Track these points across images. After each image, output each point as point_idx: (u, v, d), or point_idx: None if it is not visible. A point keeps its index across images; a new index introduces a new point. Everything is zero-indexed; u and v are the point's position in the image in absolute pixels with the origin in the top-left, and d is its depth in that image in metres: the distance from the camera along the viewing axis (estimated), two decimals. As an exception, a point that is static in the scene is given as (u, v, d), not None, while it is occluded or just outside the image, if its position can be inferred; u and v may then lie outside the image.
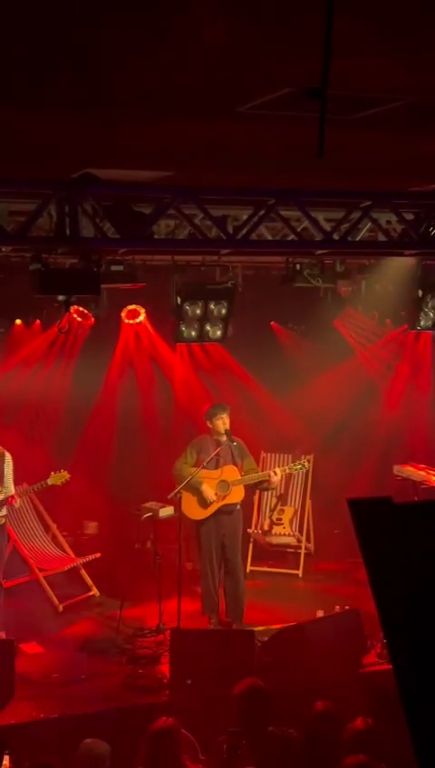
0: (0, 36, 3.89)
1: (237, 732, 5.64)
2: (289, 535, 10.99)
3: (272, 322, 11.58)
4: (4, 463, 8.80)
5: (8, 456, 8.83)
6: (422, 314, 9.40)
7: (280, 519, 11.01)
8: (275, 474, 9.06)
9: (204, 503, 8.81)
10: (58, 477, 8.89)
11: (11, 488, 8.75)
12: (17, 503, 8.86)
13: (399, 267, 9.40)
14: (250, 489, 9.40)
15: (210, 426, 8.91)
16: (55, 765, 5.37)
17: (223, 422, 8.82)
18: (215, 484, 8.83)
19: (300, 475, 10.85)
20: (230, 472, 8.87)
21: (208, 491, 8.77)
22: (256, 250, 8.73)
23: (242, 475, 8.91)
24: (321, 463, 10.92)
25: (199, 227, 7.43)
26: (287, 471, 9.38)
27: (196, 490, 8.78)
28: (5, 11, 3.57)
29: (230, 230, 7.44)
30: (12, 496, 8.67)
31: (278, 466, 10.54)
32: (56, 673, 7.91)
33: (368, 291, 9.85)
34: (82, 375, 10.77)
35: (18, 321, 9.97)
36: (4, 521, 8.88)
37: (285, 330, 11.61)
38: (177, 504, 8.99)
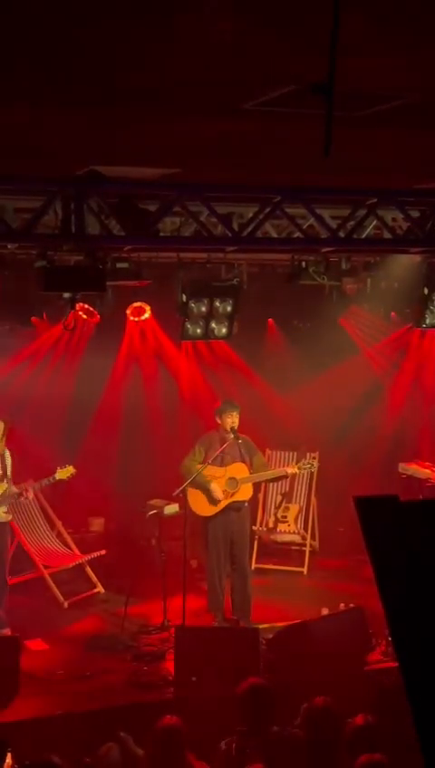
0: (5, 36, 3.89)
1: (245, 731, 5.65)
2: (294, 533, 10.99)
3: (269, 320, 11.56)
4: (6, 458, 8.86)
5: (7, 451, 8.90)
6: (428, 312, 9.39)
7: (285, 516, 11.02)
8: (291, 466, 9.23)
9: (212, 499, 8.81)
10: (65, 472, 9.02)
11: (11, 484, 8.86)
12: (30, 495, 8.99)
13: (405, 265, 9.39)
14: (258, 485, 9.45)
15: (219, 422, 8.92)
16: (56, 762, 5.38)
17: (231, 419, 8.82)
18: (223, 482, 8.84)
19: (305, 473, 10.85)
20: (238, 469, 8.87)
21: (217, 489, 8.78)
22: (262, 248, 8.73)
23: (251, 473, 8.92)
24: (326, 460, 10.92)
25: (205, 225, 7.43)
26: (296, 471, 9.40)
27: (204, 488, 8.79)
28: (14, 12, 3.57)
29: (236, 227, 7.44)
30: (26, 489, 8.81)
31: (284, 464, 10.58)
32: (61, 670, 7.92)
33: (373, 288, 9.84)
34: (88, 372, 10.78)
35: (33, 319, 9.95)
36: (10, 516, 8.94)
37: (283, 328, 11.59)
38: (182, 501, 9.00)
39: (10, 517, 8.98)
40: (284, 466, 9.99)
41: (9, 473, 8.89)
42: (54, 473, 9.05)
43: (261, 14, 3.74)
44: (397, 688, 1.68)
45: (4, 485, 8.79)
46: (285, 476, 9.61)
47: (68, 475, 9.04)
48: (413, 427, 11.83)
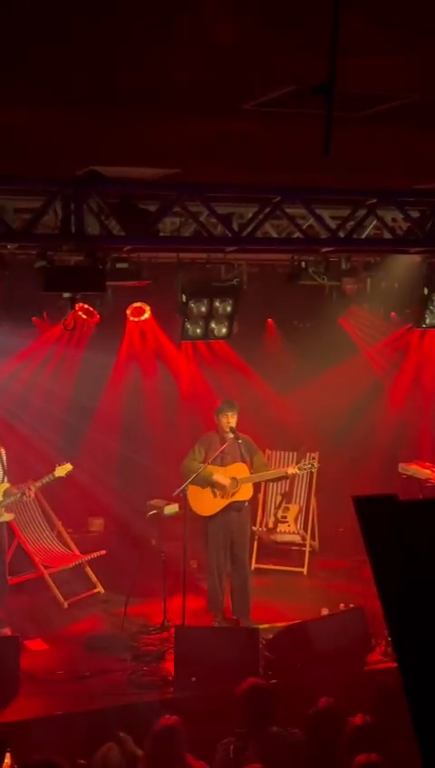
0: (5, 36, 3.89)
1: (244, 733, 5.64)
2: (294, 533, 10.99)
3: (269, 320, 11.57)
4: (2, 458, 8.87)
5: (2, 450, 8.91)
6: (428, 312, 9.39)
7: (285, 517, 11.01)
8: (287, 472, 9.19)
9: (213, 499, 8.81)
10: (63, 469, 9.08)
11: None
12: (32, 493, 9.01)
13: (404, 265, 9.39)
14: (258, 485, 9.44)
15: (217, 422, 8.92)
16: (58, 761, 5.38)
17: (228, 419, 8.82)
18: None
19: (305, 473, 10.85)
20: (238, 469, 8.86)
21: (223, 478, 8.76)
22: (262, 248, 8.73)
23: (251, 472, 8.91)
24: (326, 460, 10.91)
25: (205, 225, 7.43)
26: (296, 471, 9.39)
27: (206, 483, 8.77)
28: (14, 12, 3.57)
29: (235, 228, 7.44)
30: (28, 488, 8.83)
31: (284, 464, 10.58)
32: (61, 670, 7.92)
33: (373, 288, 9.84)
34: (88, 372, 10.78)
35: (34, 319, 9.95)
36: (11, 516, 8.95)
37: (283, 328, 11.60)
38: (182, 501, 9.00)
39: (11, 516, 8.99)
40: (284, 467, 9.99)
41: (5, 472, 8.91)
42: (53, 471, 9.08)
43: (261, 14, 3.74)
44: (396, 689, 1.68)
45: (6, 485, 8.80)
46: (286, 477, 9.61)
47: (66, 471, 9.09)
48: (413, 428, 11.84)
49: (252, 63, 4.42)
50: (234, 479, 8.83)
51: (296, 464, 9.79)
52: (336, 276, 9.56)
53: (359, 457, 11.61)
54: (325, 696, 5.90)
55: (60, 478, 9.14)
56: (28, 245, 7.58)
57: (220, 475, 8.78)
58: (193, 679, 7.48)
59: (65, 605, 9.46)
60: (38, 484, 9.12)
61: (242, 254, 9.15)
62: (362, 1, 3.49)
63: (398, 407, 11.95)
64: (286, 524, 10.98)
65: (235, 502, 8.84)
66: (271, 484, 10.82)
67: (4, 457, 8.92)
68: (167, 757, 5.54)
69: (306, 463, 9.71)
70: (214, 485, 8.80)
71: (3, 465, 8.87)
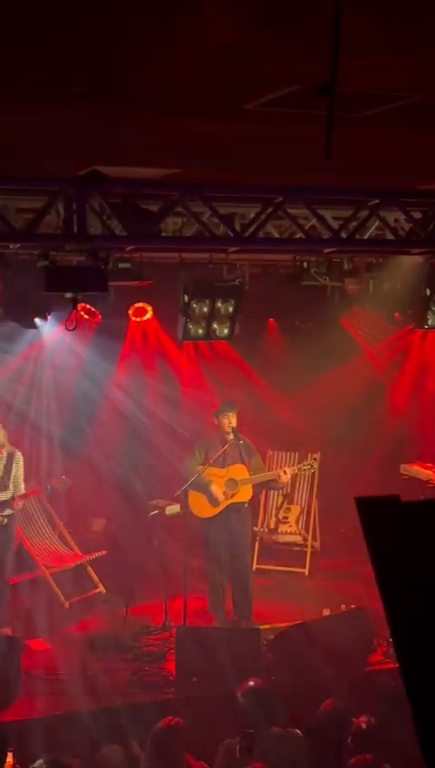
0: (5, 36, 3.89)
1: (250, 733, 5.64)
2: (295, 534, 10.99)
3: (270, 320, 11.56)
4: (13, 462, 8.84)
5: (18, 455, 8.90)
6: (430, 313, 9.39)
7: (286, 517, 11.01)
8: (285, 473, 9.08)
9: (212, 501, 8.81)
10: (60, 484, 9.07)
11: (21, 487, 8.84)
12: (20, 505, 8.94)
13: (407, 266, 9.38)
14: (258, 487, 9.42)
15: (217, 424, 8.93)
16: (66, 762, 5.38)
17: (229, 420, 8.82)
18: (223, 483, 8.84)
19: (306, 474, 10.85)
20: (238, 470, 8.87)
21: (218, 490, 8.78)
22: (264, 248, 8.72)
23: (250, 474, 8.91)
24: (327, 461, 10.91)
25: (207, 225, 7.42)
26: (295, 471, 9.36)
27: (204, 489, 8.79)
28: (14, 12, 3.57)
29: (238, 228, 7.43)
30: (15, 498, 8.77)
31: (285, 465, 10.57)
32: (62, 670, 7.93)
33: (376, 289, 9.83)
34: (89, 372, 10.78)
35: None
36: (6, 520, 8.92)
37: (284, 328, 11.59)
38: (183, 501, 9.00)
39: (5, 521, 8.88)
40: (284, 467, 9.95)
41: (16, 477, 8.85)
42: (49, 484, 9.12)
43: (261, 14, 3.74)
44: (398, 690, 1.67)
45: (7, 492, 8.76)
46: (278, 478, 9.22)
47: (63, 486, 9.12)
48: (415, 429, 11.84)
49: (252, 63, 4.41)
50: (232, 480, 8.83)
51: (297, 464, 9.78)
52: (338, 277, 9.55)
53: (360, 458, 11.60)
54: (327, 696, 5.90)
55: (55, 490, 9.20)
56: (30, 245, 7.57)
57: (215, 486, 8.79)
58: (194, 680, 7.47)
59: (66, 605, 9.46)
60: (32, 496, 9.15)
61: (244, 254, 9.14)
62: (362, 1, 3.48)
63: (399, 407, 11.95)
64: (288, 525, 10.98)
65: (234, 503, 8.84)
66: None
67: (21, 462, 8.90)
68: (167, 758, 5.54)
69: (305, 463, 9.71)
70: (208, 495, 8.81)
71: (8, 470, 8.82)
